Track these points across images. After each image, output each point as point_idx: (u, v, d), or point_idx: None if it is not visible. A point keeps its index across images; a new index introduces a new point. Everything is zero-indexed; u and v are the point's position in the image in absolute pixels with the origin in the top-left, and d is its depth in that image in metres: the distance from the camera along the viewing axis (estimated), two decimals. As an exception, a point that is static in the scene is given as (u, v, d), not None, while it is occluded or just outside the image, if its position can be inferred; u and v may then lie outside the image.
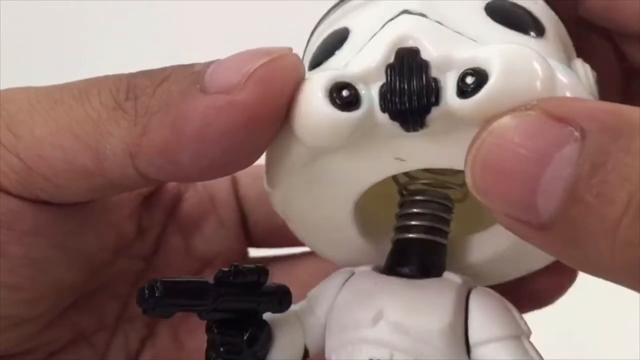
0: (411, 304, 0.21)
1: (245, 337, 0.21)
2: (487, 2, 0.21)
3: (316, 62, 0.22)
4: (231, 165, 0.21)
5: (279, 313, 0.22)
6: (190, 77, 0.21)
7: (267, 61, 0.19)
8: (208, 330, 0.21)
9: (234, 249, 0.31)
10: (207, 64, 0.21)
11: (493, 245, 0.25)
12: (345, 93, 0.19)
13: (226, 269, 0.20)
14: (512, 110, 0.18)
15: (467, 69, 0.19)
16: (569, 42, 0.23)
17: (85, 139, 0.21)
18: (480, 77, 0.18)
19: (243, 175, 0.31)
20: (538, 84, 0.18)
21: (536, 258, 0.25)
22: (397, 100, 0.19)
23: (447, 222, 0.24)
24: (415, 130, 0.19)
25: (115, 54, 0.63)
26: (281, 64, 0.20)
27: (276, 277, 0.23)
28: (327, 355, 0.22)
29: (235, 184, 0.31)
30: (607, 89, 0.23)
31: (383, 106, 0.19)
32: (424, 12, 0.20)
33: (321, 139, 0.19)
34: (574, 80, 0.20)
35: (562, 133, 0.17)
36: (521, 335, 0.21)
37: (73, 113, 0.21)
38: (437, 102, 0.19)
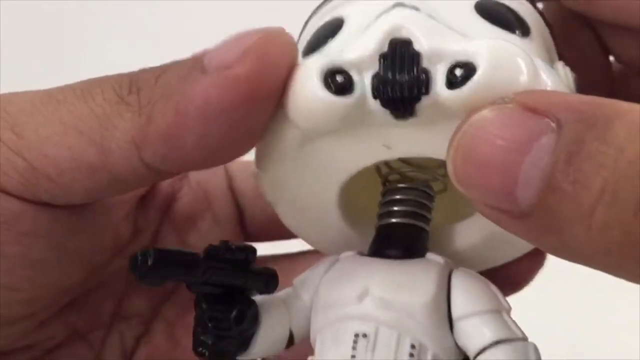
0: (396, 281, 0.22)
1: (233, 313, 0.21)
2: (476, 0, 0.22)
3: (311, 49, 0.22)
4: (233, 146, 0.21)
5: (265, 294, 0.22)
6: (189, 63, 0.21)
7: (262, 36, 0.20)
8: (196, 304, 0.21)
9: None
10: (204, 50, 0.21)
11: (477, 232, 0.25)
12: (339, 78, 0.20)
13: (216, 244, 0.21)
14: (491, 103, 0.18)
15: (456, 62, 0.19)
16: (552, 45, 0.24)
17: (90, 135, 0.21)
18: (468, 69, 0.19)
19: (237, 170, 0.32)
20: (522, 78, 0.19)
21: (521, 244, 0.25)
22: (389, 88, 0.20)
23: (428, 208, 0.24)
24: (405, 118, 0.20)
25: (115, 55, 0.64)
26: (276, 39, 0.21)
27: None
28: (311, 337, 0.23)
29: (229, 180, 0.32)
30: (593, 83, 0.24)
31: (375, 93, 0.20)
32: (416, 6, 0.21)
33: (314, 121, 0.20)
34: (556, 79, 0.21)
35: (539, 124, 0.17)
36: (502, 310, 0.21)
37: (77, 111, 0.22)
38: (427, 92, 0.19)
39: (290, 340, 0.23)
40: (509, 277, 0.27)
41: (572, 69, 0.22)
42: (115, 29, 0.68)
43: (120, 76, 0.22)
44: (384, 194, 0.25)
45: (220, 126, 0.20)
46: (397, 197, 0.24)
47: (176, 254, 0.20)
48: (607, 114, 0.17)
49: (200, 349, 0.21)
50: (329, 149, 0.22)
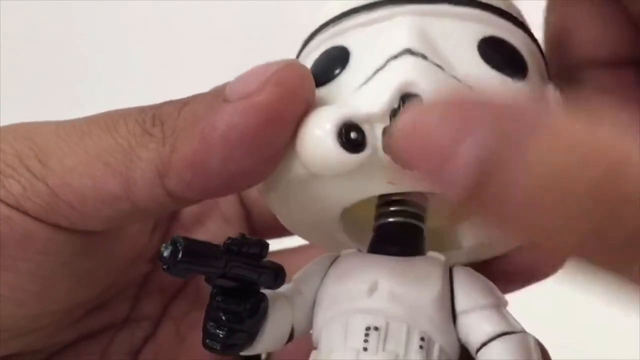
0: (403, 276, 0.22)
1: (247, 306, 0.21)
2: (479, 38, 0.23)
3: (320, 79, 0.23)
4: (254, 170, 0.22)
5: (273, 289, 0.23)
6: (211, 95, 0.22)
7: (280, 67, 0.21)
8: (211, 298, 0.21)
9: None
10: (224, 84, 0.22)
11: (475, 233, 0.26)
12: (353, 135, 0.20)
13: (235, 237, 0.21)
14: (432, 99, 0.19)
15: None
16: (544, 68, 0.25)
17: (115, 166, 0.22)
18: None
19: None
20: None
21: None
22: None
23: (423, 208, 0.25)
24: None
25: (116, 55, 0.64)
26: (293, 70, 0.21)
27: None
28: (315, 332, 0.23)
29: None
30: (622, 58, 0.25)
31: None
32: (424, 53, 0.22)
33: (324, 170, 0.21)
34: None
35: (469, 122, 0.17)
36: (500, 305, 0.23)
37: (102, 143, 0.22)
38: None
39: (291, 336, 0.24)
40: (522, 268, 0.28)
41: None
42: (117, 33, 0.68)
43: (142, 109, 0.23)
44: (380, 196, 0.25)
45: (243, 151, 0.21)
46: (393, 198, 0.25)
47: (203, 245, 0.20)
48: (529, 122, 0.17)
49: (211, 342, 0.21)
50: (334, 184, 0.22)
